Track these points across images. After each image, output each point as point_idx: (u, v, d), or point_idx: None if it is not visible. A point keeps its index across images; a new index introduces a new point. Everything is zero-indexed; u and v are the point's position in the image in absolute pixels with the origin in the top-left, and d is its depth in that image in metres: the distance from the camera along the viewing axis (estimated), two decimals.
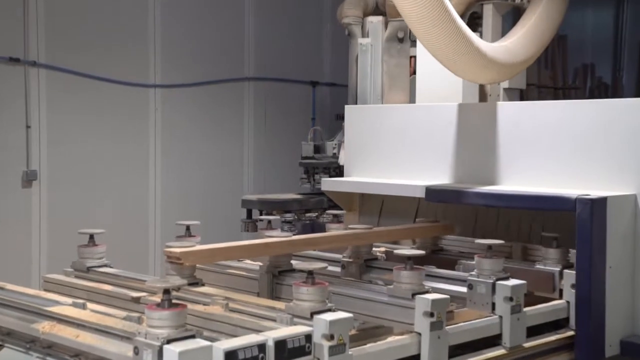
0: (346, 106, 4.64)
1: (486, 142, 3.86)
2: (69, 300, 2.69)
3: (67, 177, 6.73)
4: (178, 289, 2.55)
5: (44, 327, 2.47)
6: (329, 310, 2.42)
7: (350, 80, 4.79)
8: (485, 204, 3.71)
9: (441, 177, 3.98)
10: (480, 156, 3.88)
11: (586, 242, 3.16)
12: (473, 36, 3.39)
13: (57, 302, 2.66)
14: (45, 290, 3.18)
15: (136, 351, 2.12)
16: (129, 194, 7.15)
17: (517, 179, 3.73)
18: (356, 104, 4.56)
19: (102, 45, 6.93)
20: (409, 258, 2.78)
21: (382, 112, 4.41)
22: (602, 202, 3.22)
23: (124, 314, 2.48)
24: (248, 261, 3.51)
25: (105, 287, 3.07)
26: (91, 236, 3.37)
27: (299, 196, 6.14)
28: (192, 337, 2.15)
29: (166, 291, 2.19)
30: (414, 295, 2.68)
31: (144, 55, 7.25)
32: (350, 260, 3.50)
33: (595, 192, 3.31)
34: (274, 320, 2.45)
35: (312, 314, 2.38)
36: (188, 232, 3.50)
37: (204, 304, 2.68)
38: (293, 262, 3.25)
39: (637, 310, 3.34)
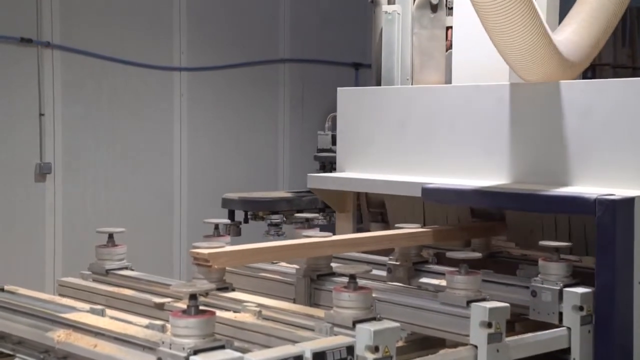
0: (338, 89, 4.39)
1: (517, 132, 3.62)
2: (86, 306, 2.74)
3: (84, 170, 6.83)
4: (206, 294, 2.58)
5: (59, 336, 2.51)
6: (374, 318, 2.42)
7: (374, 58, 4.44)
8: (489, 204, 3.54)
9: (450, 173, 3.77)
10: (505, 149, 3.65)
11: (608, 253, 2.93)
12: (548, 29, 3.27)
13: (73, 308, 2.71)
14: (60, 295, 3.24)
15: None
16: (152, 189, 7.24)
17: (569, 177, 3.45)
18: (380, 85, 4.30)
19: (123, 24, 7.01)
20: (464, 261, 2.77)
21: (382, 95, 4.18)
22: (628, 203, 2.98)
23: (146, 321, 2.51)
24: (283, 264, 3.52)
25: (125, 292, 3.11)
26: (110, 235, 3.42)
27: (288, 194, 5.87)
28: (222, 347, 2.17)
29: (193, 296, 2.22)
30: (469, 302, 2.67)
31: (169, 34, 7.32)
32: (398, 263, 3.50)
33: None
34: (312, 329, 2.46)
35: (355, 322, 2.39)
36: (217, 231, 3.52)
37: (235, 311, 2.70)
38: (333, 265, 3.26)
39: None
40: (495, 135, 3.69)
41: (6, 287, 3.06)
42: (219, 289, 2.90)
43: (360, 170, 4.20)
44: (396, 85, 4.25)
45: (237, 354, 2.13)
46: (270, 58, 8.04)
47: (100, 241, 3.43)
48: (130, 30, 7.05)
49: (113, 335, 2.40)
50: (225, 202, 5.38)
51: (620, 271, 2.95)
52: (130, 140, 7.08)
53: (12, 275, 3.34)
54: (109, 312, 2.68)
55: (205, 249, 2.90)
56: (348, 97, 4.35)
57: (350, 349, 2.28)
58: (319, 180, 4.26)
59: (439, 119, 3.90)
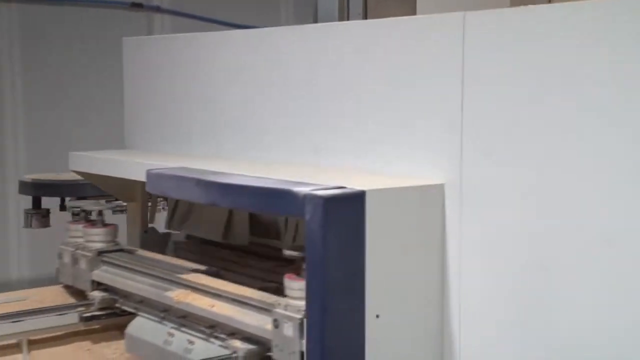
0: (124, 39, 3.41)
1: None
2: (203, 267, 2.85)
3: None
4: None
5: (178, 296, 2.63)
6: None
7: None
8: (204, 199, 2.41)
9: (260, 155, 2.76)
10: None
11: (318, 274, 1.94)
12: None
13: (191, 269, 2.83)
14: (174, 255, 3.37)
15: (276, 324, 2.22)
16: None
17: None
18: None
19: None
20: None
21: (178, 45, 3.15)
22: (349, 201, 1.97)
23: (259, 283, 2.60)
24: None
25: (239, 254, 3.21)
26: None
27: None
28: None
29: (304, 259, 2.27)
30: None
31: None
32: None
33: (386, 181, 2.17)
34: None
35: None
36: None
37: None
38: None
39: None
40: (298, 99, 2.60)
41: (125, 248, 3.23)
42: None
43: (151, 147, 3.23)
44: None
45: None
46: None
47: None
48: None
49: (230, 296, 2.49)
50: (23, 187, 4.16)
51: (341, 300, 1.97)
52: None
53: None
54: (224, 273, 2.80)
55: None
56: (135, 50, 3.34)
57: None
58: (81, 160, 3.22)
59: (252, 79, 2.80)
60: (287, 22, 7.43)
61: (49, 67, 6.00)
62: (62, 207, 3.88)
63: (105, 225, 3.23)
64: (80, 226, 3.28)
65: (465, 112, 2.05)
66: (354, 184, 2.02)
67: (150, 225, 3.46)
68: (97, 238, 3.19)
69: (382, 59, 2.28)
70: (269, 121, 2.69)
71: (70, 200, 3.69)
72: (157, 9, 6.72)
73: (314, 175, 2.25)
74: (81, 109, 6.01)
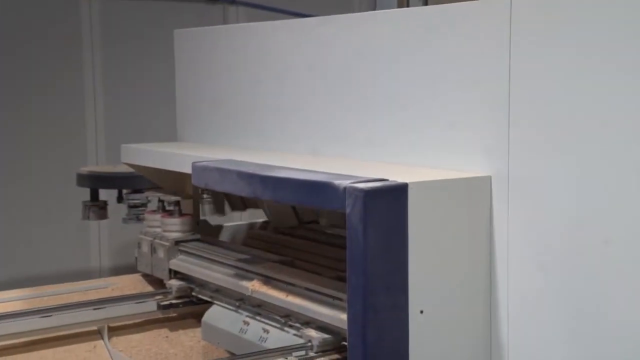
0: (175, 31, 3.34)
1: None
2: (277, 256, 2.87)
3: None
4: None
5: (253, 285, 2.66)
6: None
7: None
8: (246, 192, 2.37)
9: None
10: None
11: (359, 268, 1.88)
12: None
13: (265, 259, 2.86)
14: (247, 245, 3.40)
15: None
16: None
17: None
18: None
19: None
20: None
21: (230, 37, 3.07)
22: (390, 193, 1.90)
23: (333, 273, 2.61)
24: None
25: (312, 245, 3.22)
26: None
27: None
28: None
29: None
30: None
31: None
32: None
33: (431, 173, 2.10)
34: None
35: None
36: None
37: None
38: None
39: None
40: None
41: (202, 238, 3.27)
42: None
43: (203, 140, 3.20)
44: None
45: None
46: None
47: None
48: None
49: (304, 286, 2.51)
50: (80, 179, 4.11)
51: (384, 296, 1.90)
52: None
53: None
54: (298, 263, 2.81)
55: None
56: (187, 42, 3.27)
57: None
58: (132, 153, 3.18)
59: (303, 70, 2.72)
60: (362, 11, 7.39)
61: (128, 60, 6.12)
62: (119, 199, 3.92)
63: (182, 215, 3.27)
64: (158, 216, 3.33)
65: (513, 103, 1.97)
66: (396, 177, 1.96)
67: (201, 217, 3.46)
68: (174, 228, 3.24)
69: (427, 49, 2.21)
70: (320, 113, 2.64)
71: (127, 193, 3.73)
72: (232, 2, 6.78)
73: (360, 168, 2.20)
74: (160, 102, 6.11)
